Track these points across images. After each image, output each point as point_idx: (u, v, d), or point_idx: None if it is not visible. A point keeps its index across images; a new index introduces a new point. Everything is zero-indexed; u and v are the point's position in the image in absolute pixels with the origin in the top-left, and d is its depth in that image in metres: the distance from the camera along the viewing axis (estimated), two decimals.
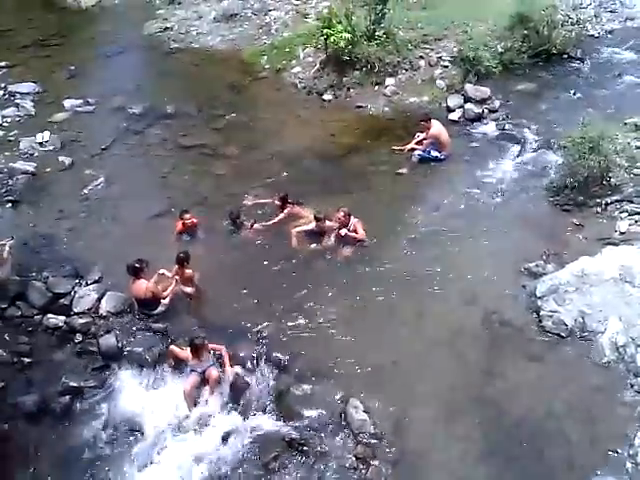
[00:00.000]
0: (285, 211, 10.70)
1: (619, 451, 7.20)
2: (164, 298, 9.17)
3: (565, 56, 14.37)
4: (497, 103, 13.29)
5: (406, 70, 14.32)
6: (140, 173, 12.28)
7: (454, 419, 7.72)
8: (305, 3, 17.62)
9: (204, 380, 8.19)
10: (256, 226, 10.57)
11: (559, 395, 7.85)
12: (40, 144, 12.89)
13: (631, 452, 7.15)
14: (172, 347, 8.49)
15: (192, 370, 8.24)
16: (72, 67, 15.95)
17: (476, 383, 8.09)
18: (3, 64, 15.98)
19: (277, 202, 10.77)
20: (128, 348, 8.68)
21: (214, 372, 8.15)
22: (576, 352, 8.30)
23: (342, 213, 10.07)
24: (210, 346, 8.26)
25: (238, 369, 8.29)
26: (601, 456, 7.20)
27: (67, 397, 8.31)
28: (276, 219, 10.67)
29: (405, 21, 15.06)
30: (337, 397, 7.98)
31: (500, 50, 14.16)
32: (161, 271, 9.18)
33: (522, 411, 7.73)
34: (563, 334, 8.48)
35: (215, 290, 9.58)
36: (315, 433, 7.63)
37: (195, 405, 8.11)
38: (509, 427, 7.59)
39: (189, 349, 8.16)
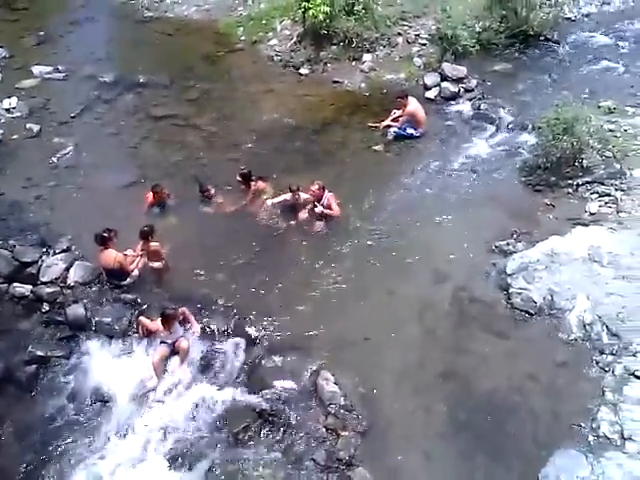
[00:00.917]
0: (251, 189, 10.58)
1: (582, 425, 7.30)
2: (131, 271, 9.05)
3: (542, 38, 14.34)
4: (473, 82, 13.27)
5: (384, 47, 14.20)
6: (110, 142, 12.02)
7: (422, 393, 7.80)
8: None
9: (173, 351, 8.13)
10: (223, 202, 10.49)
11: (526, 371, 7.94)
12: (7, 110, 12.56)
13: (594, 426, 7.27)
14: (142, 318, 8.41)
15: (162, 342, 8.18)
16: (41, 33, 15.52)
17: (444, 359, 8.16)
18: None
19: (238, 179, 10.65)
20: (96, 318, 8.58)
21: (184, 343, 8.10)
22: (544, 329, 8.39)
23: (316, 186, 10.03)
24: (181, 311, 8.22)
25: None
26: (565, 430, 7.30)
27: (33, 366, 8.20)
28: (246, 200, 10.55)
29: None
30: (308, 370, 8.01)
31: (478, 30, 14.10)
32: (127, 251, 9.03)
33: (489, 386, 7.82)
34: (531, 311, 8.57)
35: (185, 263, 9.48)
36: (285, 404, 7.64)
37: (163, 376, 8.05)
38: (476, 401, 7.68)
39: (159, 320, 8.08)
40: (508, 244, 9.47)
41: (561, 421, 7.42)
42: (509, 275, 8.94)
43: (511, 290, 8.78)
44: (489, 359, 8.09)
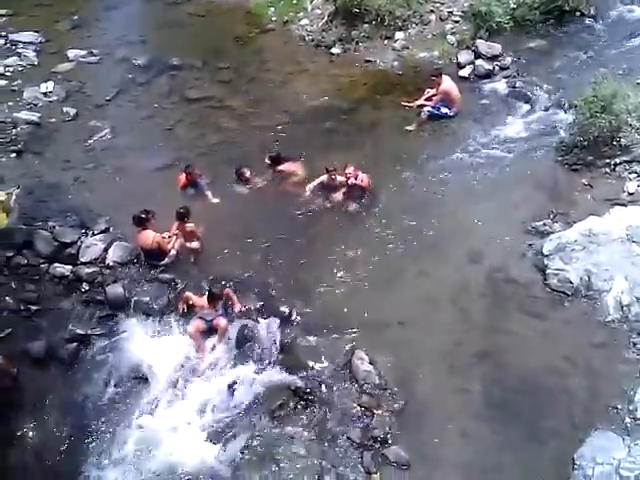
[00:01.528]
0: (280, 171, 10.62)
1: (619, 407, 7.27)
2: (169, 251, 9.18)
3: (578, 13, 13.92)
4: (508, 60, 13.04)
5: (416, 24, 14.00)
6: (145, 124, 12.14)
7: (457, 373, 7.82)
8: None
9: (212, 329, 8.26)
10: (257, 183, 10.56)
11: (562, 352, 7.91)
12: (44, 94, 12.72)
13: (631, 408, 7.23)
14: (188, 293, 8.54)
15: (200, 317, 8.31)
16: (75, 17, 15.61)
17: (480, 339, 8.16)
18: (4, 12, 15.61)
19: (267, 162, 10.67)
20: (135, 297, 8.73)
21: (223, 321, 8.22)
22: (580, 310, 8.34)
23: (351, 169, 10.00)
24: (226, 291, 8.36)
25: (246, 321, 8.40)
26: (602, 412, 7.27)
27: (74, 344, 8.35)
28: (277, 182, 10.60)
29: None
30: (342, 349, 8.08)
31: (512, 6, 13.78)
32: (164, 234, 9.14)
33: (525, 367, 7.80)
34: (568, 292, 8.51)
35: (221, 243, 9.57)
36: (320, 383, 7.74)
37: (202, 350, 8.20)
38: (511, 382, 7.68)
39: (206, 297, 8.22)
40: (545, 224, 9.37)
41: (598, 402, 7.39)
42: (546, 256, 8.85)
43: (548, 271, 8.71)
44: (525, 340, 8.06)
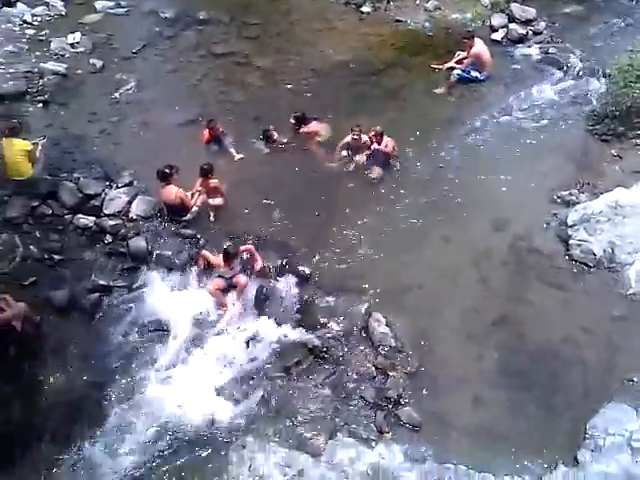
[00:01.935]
0: (305, 131, 10.53)
1: (635, 380, 7.29)
2: (191, 207, 9.22)
3: None
4: (542, 25, 12.76)
5: None
6: (171, 79, 12.07)
7: (474, 340, 7.84)
8: None
9: (231, 286, 8.33)
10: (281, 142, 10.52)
11: (581, 323, 7.91)
12: (71, 45, 12.66)
13: None
14: (204, 252, 8.60)
15: (220, 276, 8.38)
16: None
17: (499, 307, 8.16)
18: None
19: (292, 121, 10.57)
20: (157, 251, 8.78)
21: (243, 279, 8.28)
22: (602, 282, 8.30)
23: (373, 132, 9.90)
24: (241, 248, 8.36)
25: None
26: (617, 384, 7.29)
27: (96, 294, 8.45)
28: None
29: None
30: (360, 311, 8.12)
31: None
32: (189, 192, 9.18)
33: (543, 336, 7.81)
34: (590, 264, 8.46)
35: (242, 201, 9.59)
36: (337, 343, 7.80)
37: (222, 305, 8.29)
38: (529, 351, 7.70)
39: (222, 256, 8.26)
40: (571, 194, 9.25)
41: (614, 375, 7.39)
42: (570, 226, 8.78)
43: (571, 241, 8.65)
44: (545, 309, 8.06)
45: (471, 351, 7.72)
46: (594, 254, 8.46)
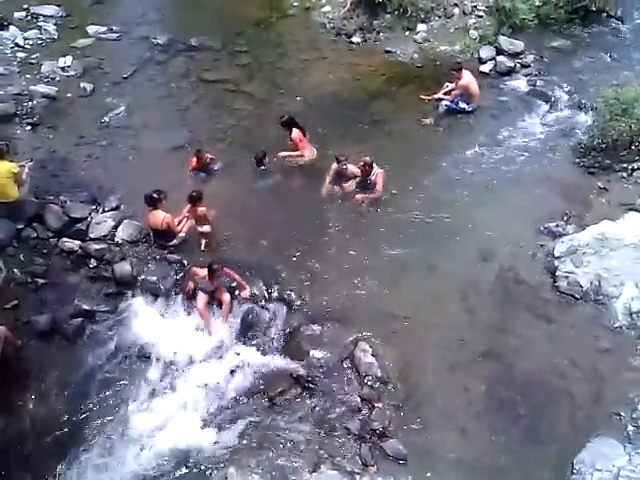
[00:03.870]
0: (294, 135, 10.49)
1: (622, 414, 7.25)
2: (178, 233, 9.18)
3: (604, 15, 13.80)
4: (530, 58, 12.91)
5: (439, 17, 13.89)
6: (161, 104, 12.06)
7: (461, 370, 7.79)
8: None
9: (214, 298, 8.31)
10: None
11: (568, 355, 7.88)
12: (62, 69, 12.66)
13: (634, 416, 7.21)
14: (193, 267, 8.55)
15: (201, 288, 8.32)
16: None
17: (485, 337, 8.13)
18: None
19: (280, 126, 10.61)
20: (142, 276, 8.72)
21: (226, 296, 8.26)
22: (589, 314, 8.30)
23: (362, 163, 9.85)
24: (225, 270, 8.32)
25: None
26: (604, 418, 7.26)
27: (79, 319, 8.35)
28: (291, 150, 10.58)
29: None
30: (346, 340, 8.06)
31: (537, 3, 13.61)
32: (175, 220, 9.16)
33: (529, 368, 7.78)
34: (577, 296, 8.46)
35: (230, 228, 9.54)
36: (322, 372, 7.73)
37: (208, 327, 8.24)
38: (515, 382, 7.67)
39: (207, 270, 8.21)
40: (558, 226, 9.29)
41: (601, 408, 7.37)
42: (557, 258, 8.79)
43: (558, 273, 8.66)
44: (531, 341, 8.03)
45: (457, 382, 7.66)
46: (581, 286, 8.47)
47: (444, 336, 8.12)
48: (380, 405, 7.38)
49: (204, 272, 8.29)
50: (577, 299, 8.44)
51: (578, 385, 7.58)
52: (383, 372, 7.68)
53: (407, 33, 13.75)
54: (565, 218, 9.47)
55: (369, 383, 7.59)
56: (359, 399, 7.46)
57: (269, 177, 10.45)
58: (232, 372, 7.84)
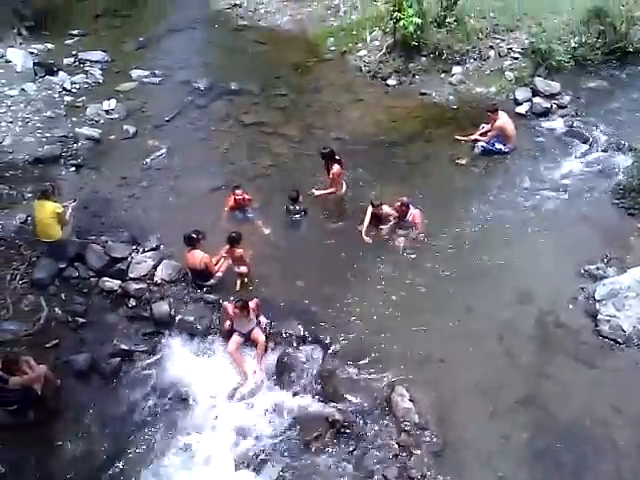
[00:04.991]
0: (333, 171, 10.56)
1: None
2: (216, 272, 9.28)
3: None
4: (567, 99, 12.92)
5: (474, 59, 14.06)
6: (201, 146, 12.41)
7: (500, 417, 7.60)
8: None
9: (248, 340, 8.36)
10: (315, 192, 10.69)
11: (611, 402, 7.66)
12: (106, 111, 13.18)
13: None
14: (225, 303, 8.64)
15: (235, 330, 8.38)
16: (141, 38, 16.28)
17: (525, 383, 7.96)
18: (76, 32, 16.38)
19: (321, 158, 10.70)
20: (180, 316, 8.82)
21: (261, 337, 8.30)
22: (632, 360, 8.10)
23: (399, 203, 9.93)
24: (253, 303, 8.42)
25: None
26: None
27: (117, 359, 8.42)
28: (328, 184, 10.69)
29: (477, 9, 14.74)
30: (383, 384, 7.96)
31: (574, 45, 13.72)
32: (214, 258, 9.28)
33: (570, 415, 7.56)
34: (620, 340, 8.27)
35: (266, 268, 9.64)
36: (358, 417, 7.61)
37: (242, 371, 8.23)
38: (556, 430, 7.45)
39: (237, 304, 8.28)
40: (598, 268, 9.13)
41: None
42: (598, 301, 8.63)
43: (599, 317, 8.48)
44: (572, 387, 7.83)
45: (496, 429, 7.47)
46: (623, 330, 8.28)
47: (482, 380, 7.96)
48: (418, 452, 7.22)
49: (234, 307, 8.35)
50: (619, 343, 8.25)
51: (622, 434, 7.33)
52: (421, 418, 7.53)
53: (442, 75, 13.93)
54: (605, 260, 9.32)
55: (407, 429, 7.44)
56: (396, 445, 7.31)
57: (304, 217, 10.54)
58: (267, 414, 7.78)
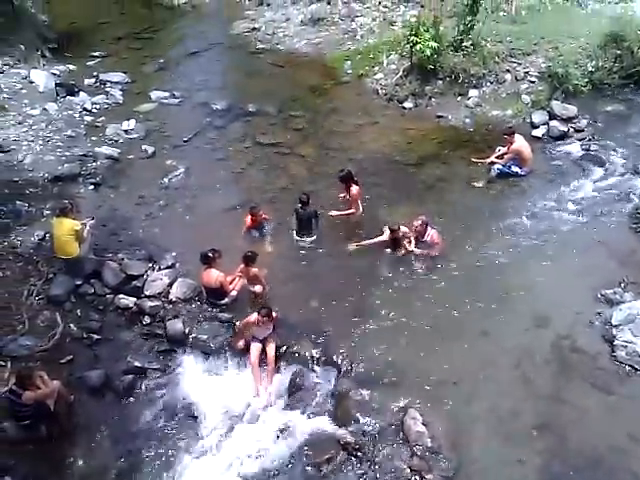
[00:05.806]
0: (351, 193, 10.63)
1: None
2: (231, 291, 9.32)
3: None
4: (584, 123, 12.92)
5: (491, 83, 14.11)
6: (218, 166, 12.51)
7: (514, 442, 7.49)
8: (392, 11, 17.64)
9: (264, 348, 8.41)
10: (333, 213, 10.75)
11: (628, 430, 7.52)
12: (125, 131, 13.38)
13: None
14: (243, 321, 8.65)
15: (253, 337, 8.41)
16: (161, 60, 16.58)
17: (540, 408, 7.85)
18: (97, 54, 16.74)
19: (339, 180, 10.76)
20: (194, 334, 8.84)
21: (272, 350, 8.36)
22: None
23: (419, 222, 9.93)
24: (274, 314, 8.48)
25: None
26: None
27: (130, 376, 8.45)
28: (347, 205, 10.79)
29: (493, 34, 14.79)
30: (396, 407, 7.88)
31: (590, 69, 13.73)
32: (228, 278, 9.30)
33: (587, 442, 7.44)
34: (637, 366, 8.15)
35: (280, 289, 9.62)
36: (371, 440, 7.53)
37: (259, 383, 8.26)
38: (571, 458, 7.32)
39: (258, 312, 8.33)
40: (615, 293, 9.04)
41: None
42: (615, 326, 8.53)
43: (616, 342, 8.38)
44: (589, 413, 7.71)
45: (510, 455, 7.36)
46: None
47: (497, 405, 7.87)
48: (430, 477, 7.11)
49: (253, 316, 8.38)
50: (636, 370, 8.13)
51: (639, 462, 7.18)
52: (434, 442, 7.43)
53: (459, 98, 13.99)
54: (622, 285, 9.23)
55: (419, 453, 7.34)
56: (409, 470, 7.21)
57: (320, 239, 10.55)
58: (278, 435, 7.75)
